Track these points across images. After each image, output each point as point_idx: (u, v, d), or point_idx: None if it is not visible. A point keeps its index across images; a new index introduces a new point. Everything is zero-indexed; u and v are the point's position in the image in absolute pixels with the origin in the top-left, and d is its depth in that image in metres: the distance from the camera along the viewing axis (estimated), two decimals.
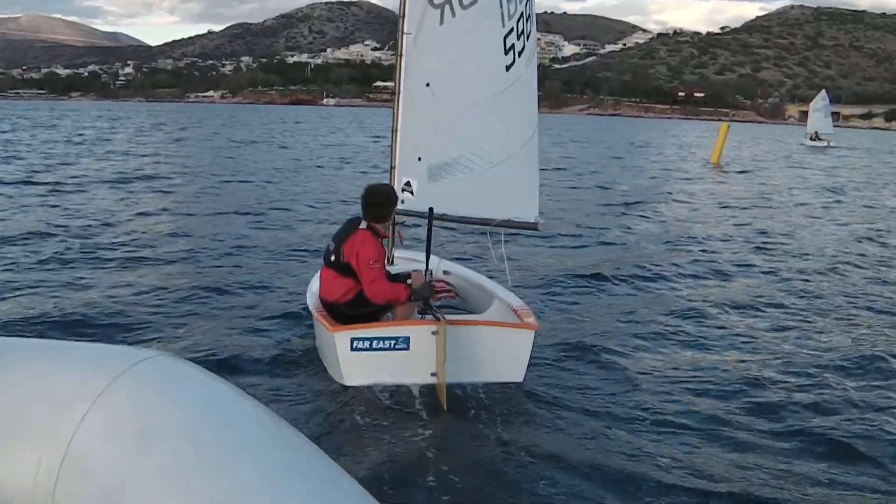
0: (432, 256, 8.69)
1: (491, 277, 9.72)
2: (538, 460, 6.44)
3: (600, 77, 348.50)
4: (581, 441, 6.92)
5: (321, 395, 7.74)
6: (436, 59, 8.72)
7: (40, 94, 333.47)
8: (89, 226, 17.51)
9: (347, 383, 7.71)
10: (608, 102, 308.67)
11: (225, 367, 8.23)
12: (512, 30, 8.66)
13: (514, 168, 8.94)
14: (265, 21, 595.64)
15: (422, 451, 6.54)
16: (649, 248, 17.11)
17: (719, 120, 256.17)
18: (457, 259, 11.93)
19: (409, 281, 8.22)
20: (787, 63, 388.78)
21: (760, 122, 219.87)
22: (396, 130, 9.03)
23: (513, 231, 9.76)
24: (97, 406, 2.28)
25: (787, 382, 8.55)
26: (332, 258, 8.10)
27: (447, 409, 7.28)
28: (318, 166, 37.54)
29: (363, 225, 8.07)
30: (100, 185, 25.91)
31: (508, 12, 8.60)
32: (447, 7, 8.53)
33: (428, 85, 8.77)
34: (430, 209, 8.55)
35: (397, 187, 8.99)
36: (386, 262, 9.02)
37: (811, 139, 74.05)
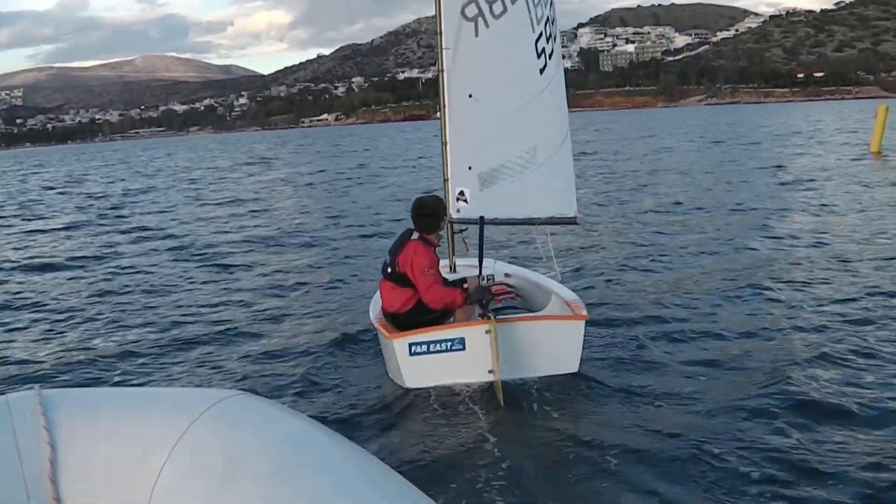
0: (495, 261, 9.26)
1: (553, 277, 9.85)
2: (594, 450, 6.62)
3: (715, 66, 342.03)
4: (636, 428, 7.06)
5: (386, 400, 8.09)
6: (475, 71, 9.06)
7: (159, 131, 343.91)
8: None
9: (409, 385, 8.11)
10: (725, 91, 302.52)
11: (305, 384, 8.78)
12: (541, 34, 8.95)
13: (555, 167, 9.22)
14: (373, 40, 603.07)
15: (481, 448, 6.82)
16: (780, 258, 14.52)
17: (842, 98, 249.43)
18: (515, 260, 12.37)
19: (465, 286, 8.57)
20: None
21: (887, 98, 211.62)
22: (446, 143, 9.37)
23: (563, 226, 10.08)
24: (179, 447, 2.37)
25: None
26: (389, 270, 8.54)
27: (505, 404, 7.55)
28: None
29: (415, 236, 8.50)
30: None
31: (536, 17, 8.89)
32: (480, 19, 8.86)
33: (471, 96, 9.09)
34: (481, 217, 9.03)
35: (452, 198, 9.38)
36: (448, 270, 9.42)
37: None
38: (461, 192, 9.40)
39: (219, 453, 2.31)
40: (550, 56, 9.05)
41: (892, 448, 6.46)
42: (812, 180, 27.30)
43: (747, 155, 41.62)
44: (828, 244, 15.42)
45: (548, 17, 9.02)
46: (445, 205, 9.05)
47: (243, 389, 5.79)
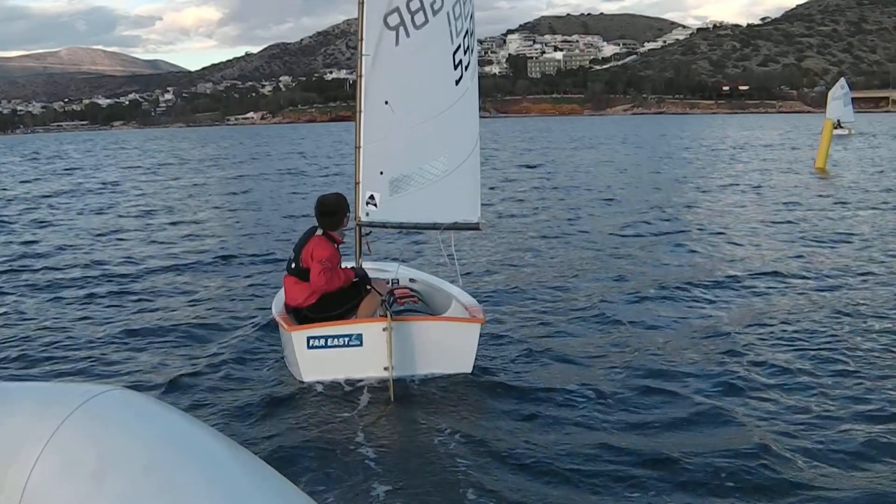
0: (399, 266, 10.02)
1: (454, 281, 10.24)
2: (476, 449, 6.90)
3: (642, 76, 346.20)
4: (517, 430, 7.35)
5: (280, 393, 8.35)
6: (393, 78, 9.24)
7: (82, 125, 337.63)
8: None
9: (305, 379, 8.41)
10: (652, 101, 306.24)
11: (195, 376, 8.99)
12: (459, 46, 9.21)
13: (462, 176, 9.51)
14: (302, 40, 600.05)
15: (363, 442, 7.08)
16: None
17: (766, 112, 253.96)
18: (421, 266, 12.89)
19: (367, 287, 8.97)
20: (830, 50, 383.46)
21: (808, 112, 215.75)
22: (359, 147, 9.53)
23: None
24: (52, 445, 2.26)
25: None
26: (293, 266, 8.86)
27: (395, 400, 7.87)
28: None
29: (319, 232, 8.87)
30: None
31: (456, 29, 9.15)
32: (401, 28, 9.05)
33: (387, 103, 9.27)
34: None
35: (361, 201, 9.55)
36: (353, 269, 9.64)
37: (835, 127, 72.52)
38: (371, 196, 9.58)
39: (92, 450, 2.24)
40: (467, 68, 9.31)
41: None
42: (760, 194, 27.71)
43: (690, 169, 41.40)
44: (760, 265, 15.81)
45: (467, 30, 9.26)
46: (346, 202, 9.28)
47: (124, 384, 5.82)
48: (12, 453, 2.26)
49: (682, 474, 6.35)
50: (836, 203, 24.47)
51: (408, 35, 9.06)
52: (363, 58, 9.27)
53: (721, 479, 6.25)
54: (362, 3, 9.15)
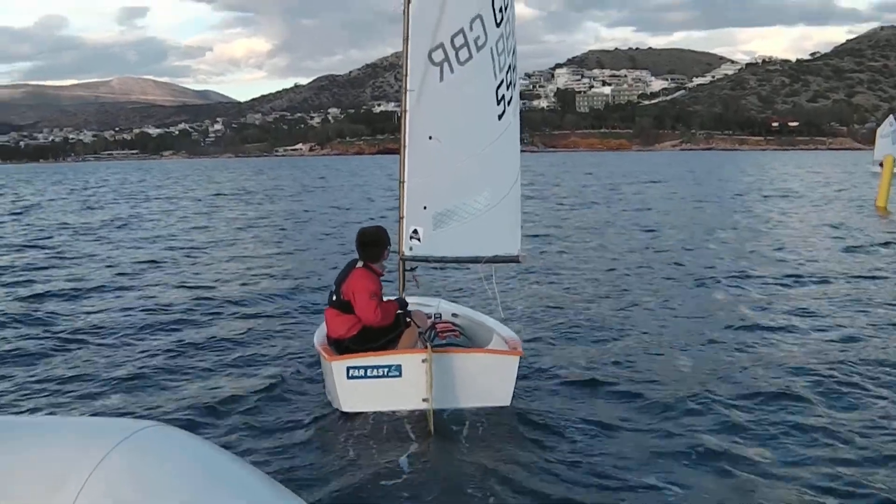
0: (440, 300, 10.37)
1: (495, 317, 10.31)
2: (512, 485, 6.91)
3: (691, 111, 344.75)
4: (556, 465, 7.37)
5: (320, 424, 8.48)
6: (437, 114, 9.38)
7: (132, 153, 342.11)
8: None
9: (345, 409, 8.51)
10: (700, 136, 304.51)
11: (237, 404, 9.17)
12: (502, 81, 9.34)
13: (503, 210, 9.65)
14: (351, 72, 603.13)
15: (402, 474, 7.14)
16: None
17: (815, 149, 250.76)
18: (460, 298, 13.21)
19: (408, 319, 9.05)
20: (881, 86, 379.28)
21: (858, 150, 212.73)
22: (403, 182, 9.64)
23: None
24: (94, 478, 2.32)
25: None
26: (334, 298, 8.96)
27: (435, 432, 7.90)
28: None
29: (360, 264, 8.98)
30: None
31: (499, 65, 9.29)
32: (446, 64, 9.19)
33: (431, 138, 9.39)
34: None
35: (405, 236, 9.68)
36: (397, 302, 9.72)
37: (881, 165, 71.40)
38: (415, 231, 9.69)
39: (134, 484, 2.32)
40: (509, 103, 9.44)
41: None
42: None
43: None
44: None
45: (510, 65, 9.38)
46: (387, 235, 9.36)
47: (164, 418, 5.86)
48: (56, 486, 2.31)
49: None
50: None
51: (452, 71, 9.19)
52: (408, 93, 9.40)
53: None
54: (406, 38, 9.28)
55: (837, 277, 17.55)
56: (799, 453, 7.55)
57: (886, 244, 23.44)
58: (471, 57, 9.16)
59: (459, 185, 9.51)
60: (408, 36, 9.28)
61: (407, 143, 9.54)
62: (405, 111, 9.48)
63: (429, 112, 9.36)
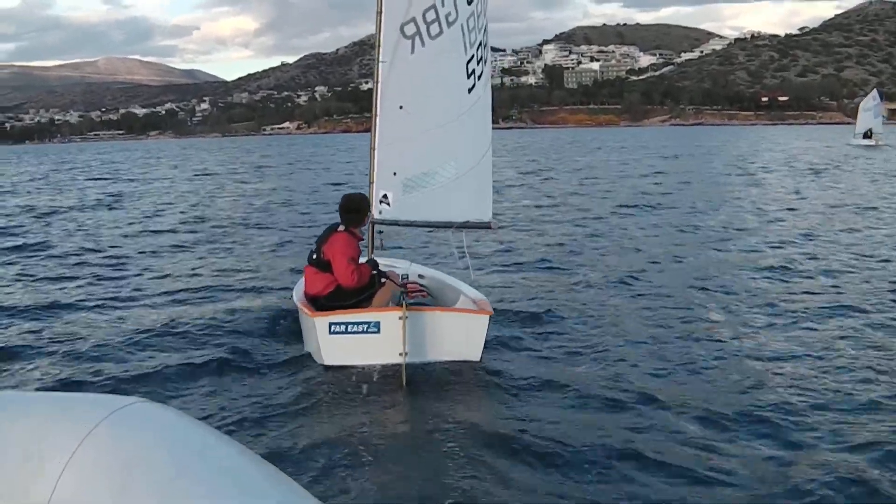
0: (410, 263, 11.22)
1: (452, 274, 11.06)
2: (480, 436, 7.29)
3: (679, 86, 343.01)
4: (525, 419, 7.71)
5: (299, 377, 8.97)
6: (408, 85, 9.79)
7: (119, 134, 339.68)
8: None
9: (326, 363, 9.04)
10: (689, 111, 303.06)
11: (228, 361, 9.53)
12: (472, 56, 9.78)
13: (472, 179, 10.15)
14: (338, 50, 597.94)
15: (374, 427, 7.57)
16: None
17: (806, 123, 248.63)
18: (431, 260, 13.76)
19: (383, 280, 9.58)
20: (870, 60, 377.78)
21: (849, 124, 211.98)
22: (374, 149, 10.11)
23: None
24: (77, 456, 2.34)
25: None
26: (314, 257, 9.50)
27: (407, 385, 8.45)
28: None
29: (341, 228, 9.51)
30: None
31: (470, 41, 9.72)
32: (417, 38, 9.59)
33: (401, 107, 9.82)
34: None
35: (375, 200, 10.13)
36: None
37: (864, 137, 72.88)
38: (385, 196, 10.15)
39: (118, 460, 2.34)
40: (479, 77, 9.86)
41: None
42: None
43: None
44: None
45: (481, 42, 9.78)
46: (368, 202, 9.91)
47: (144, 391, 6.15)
48: (38, 464, 2.36)
49: (686, 474, 6.48)
50: None
51: (423, 44, 9.58)
52: (380, 64, 9.80)
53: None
54: (380, 11, 9.64)
55: None
56: (783, 440, 7.36)
57: None
58: (441, 32, 9.55)
59: (428, 153, 9.96)
60: (381, 9, 9.62)
61: (378, 112, 9.97)
62: (377, 81, 9.90)
63: (400, 83, 9.76)
